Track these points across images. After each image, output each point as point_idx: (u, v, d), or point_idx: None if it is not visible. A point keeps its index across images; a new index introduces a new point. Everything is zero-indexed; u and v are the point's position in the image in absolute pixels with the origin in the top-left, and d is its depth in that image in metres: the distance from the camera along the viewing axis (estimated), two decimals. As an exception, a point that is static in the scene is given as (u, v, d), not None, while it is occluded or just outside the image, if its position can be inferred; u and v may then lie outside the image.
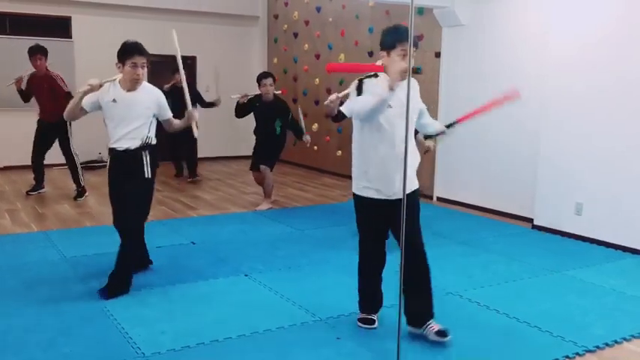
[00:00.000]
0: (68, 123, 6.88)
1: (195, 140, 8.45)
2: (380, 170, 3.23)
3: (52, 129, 6.97)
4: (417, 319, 3.29)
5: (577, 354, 3.15)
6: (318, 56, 9.36)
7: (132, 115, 3.90)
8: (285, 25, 10.22)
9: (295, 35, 9.97)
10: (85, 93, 3.87)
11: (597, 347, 3.24)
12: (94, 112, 4.03)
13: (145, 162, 4.00)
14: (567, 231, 5.58)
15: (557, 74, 5.61)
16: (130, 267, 4.00)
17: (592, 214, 5.37)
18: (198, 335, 3.26)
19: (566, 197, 5.57)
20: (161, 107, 4.06)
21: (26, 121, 8.69)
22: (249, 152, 10.87)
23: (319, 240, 5.34)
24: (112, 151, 3.98)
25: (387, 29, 3.24)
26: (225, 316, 3.56)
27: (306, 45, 9.65)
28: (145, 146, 4.00)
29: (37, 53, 6.71)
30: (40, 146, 7.06)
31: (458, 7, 6.61)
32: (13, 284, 4.04)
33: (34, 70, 6.78)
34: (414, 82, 3.10)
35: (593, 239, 5.36)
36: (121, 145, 3.93)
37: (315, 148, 9.33)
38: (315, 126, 9.24)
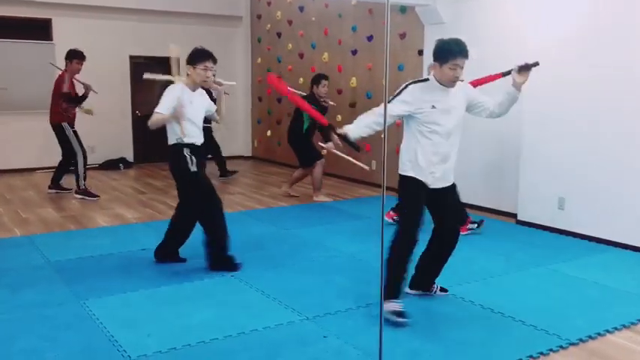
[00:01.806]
0: None
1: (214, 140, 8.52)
2: None
3: (54, 130, 7.12)
4: (428, 284, 3.90)
5: (561, 347, 3.19)
6: (301, 55, 9.37)
7: (200, 113, 4.40)
8: (269, 25, 10.21)
9: (279, 35, 9.96)
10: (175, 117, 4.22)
11: (580, 340, 3.28)
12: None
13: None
14: (550, 225, 5.64)
15: (538, 71, 5.64)
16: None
17: (574, 209, 5.43)
18: (185, 337, 3.25)
19: (549, 192, 5.63)
20: (210, 105, 4.60)
21: (12, 124, 8.63)
22: (233, 153, 10.98)
23: (305, 239, 5.35)
24: (191, 146, 4.31)
25: (443, 42, 3.55)
26: (212, 317, 3.55)
27: (290, 44, 9.65)
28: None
29: (84, 59, 7.02)
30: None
31: (440, 5, 6.65)
32: (-4, 290, 4.00)
33: (67, 72, 7.00)
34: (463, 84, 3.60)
35: (575, 233, 5.42)
36: (197, 141, 4.36)
37: (300, 147, 9.33)
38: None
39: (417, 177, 3.55)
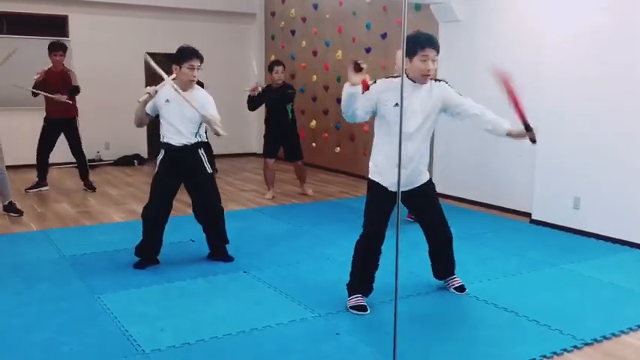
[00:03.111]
0: (77, 120, 7.21)
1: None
2: None
3: (61, 125, 7.16)
4: (440, 274, 3.96)
5: (575, 347, 3.17)
6: (315, 53, 9.36)
7: (186, 113, 4.26)
8: (282, 23, 10.22)
9: (292, 32, 9.96)
10: (146, 102, 4.30)
11: (595, 340, 3.25)
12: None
13: (203, 158, 4.43)
14: (565, 225, 5.59)
15: (553, 67, 5.62)
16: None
17: (590, 208, 5.38)
18: (198, 332, 3.27)
19: (564, 191, 5.58)
20: (203, 107, 4.27)
21: (24, 120, 8.71)
22: (246, 150, 11.02)
23: (317, 236, 5.35)
24: (167, 145, 4.35)
25: (411, 35, 3.46)
26: (225, 312, 3.57)
27: (304, 42, 9.65)
28: (200, 143, 4.41)
29: (59, 49, 6.99)
30: (48, 144, 7.20)
31: (454, 3, 6.61)
32: (12, 283, 4.05)
33: (50, 65, 6.96)
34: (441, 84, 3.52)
35: (591, 233, 5.37)
36: (179, 141, 4.32)
37: (314, 144, 9.34)
38: (312, 123, 9.25)
39: (380, 182, 3.56)
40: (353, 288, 3.66)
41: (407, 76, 3.45)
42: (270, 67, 6.93)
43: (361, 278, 3.65)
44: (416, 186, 3.65)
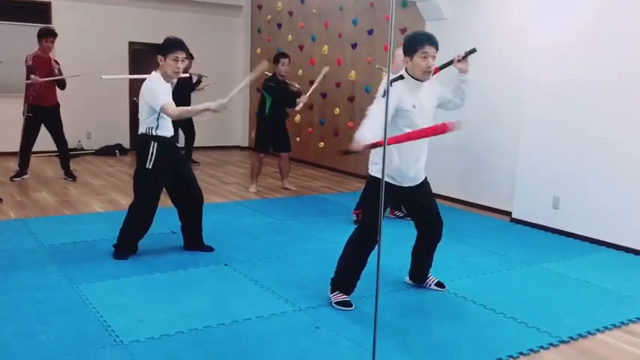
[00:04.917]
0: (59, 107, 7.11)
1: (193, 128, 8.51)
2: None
3: (47, 113, 7.03)
4: (422, 277, 3.96)
5: (551, 344, 3.21)
6: (301, 47, 9.34)
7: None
8: (269, 16, 10.18)
9: (279, 26, 9.93)
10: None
11: (571, 338, 3.30)
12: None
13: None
14: (545, 224, 5.66)
15: (537, 68, 5.67)
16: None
17: (569, 208, 5.45)
18: (178, 324, 3.26)
19: (545, 191, 5.65)
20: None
21: (2, 107, 8.58)
22: (229, 142, 10.98)
23: (300, 231, 5.35)
24: (162, 139, 4.24)
25: (409, 35, 3.56)
26: (205, 305, 3.56)
27: (290, 36, 9.62)
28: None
29: (51, 36, 6.92)
30: (34, 133, 7.07)
31: (441, 1, 6.63)
32: (-11, 272, 3.99)
33: (34, 51, 6.88)
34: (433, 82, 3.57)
35: (569, 233, 5.44)
36: (169, 134, 4.31)
37: (298, 139, 9.33)
38: (297, 117, 9.24)
39: (390, 181, 3.53)
40: (339, 286, 3.63)
41: (410, 76, 3.49)
42: (276, 59, 6.84)
43: (351, 277, 3.62)
44: (420, 181, 3.67)
